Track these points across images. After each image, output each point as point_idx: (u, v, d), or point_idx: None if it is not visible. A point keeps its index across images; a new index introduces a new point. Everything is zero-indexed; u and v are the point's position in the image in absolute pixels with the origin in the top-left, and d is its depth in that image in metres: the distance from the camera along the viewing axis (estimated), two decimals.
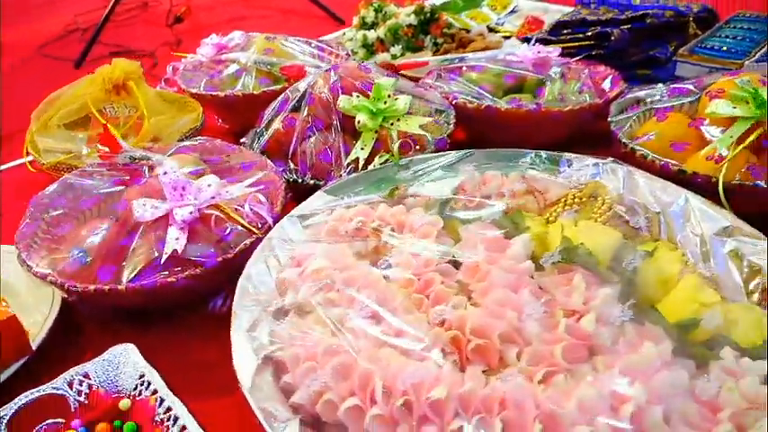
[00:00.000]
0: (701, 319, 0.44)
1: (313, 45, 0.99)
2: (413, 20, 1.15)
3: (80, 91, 0.82)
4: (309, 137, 0.73)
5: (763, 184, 0.60)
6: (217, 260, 0.56)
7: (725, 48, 0.90)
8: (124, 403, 0.50)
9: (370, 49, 1.15)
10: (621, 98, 0.77)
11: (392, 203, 0.59)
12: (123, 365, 0.52)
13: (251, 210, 0.61)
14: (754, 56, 0.86)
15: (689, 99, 0.73)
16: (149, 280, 0.55)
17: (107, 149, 0.68)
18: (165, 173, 0.62)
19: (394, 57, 1.10)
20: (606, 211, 0.57)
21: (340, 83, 0.73)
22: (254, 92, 0.86)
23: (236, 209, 0.61)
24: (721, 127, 0.65)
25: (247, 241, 0.57)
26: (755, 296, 0.48)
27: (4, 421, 0.48)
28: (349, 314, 0.46)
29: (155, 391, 0.50)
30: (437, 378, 0.40)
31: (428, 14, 1.18)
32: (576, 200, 0.59)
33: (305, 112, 0.74)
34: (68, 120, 0.82)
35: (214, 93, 0.88)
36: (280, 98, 0.79)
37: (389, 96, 0.70)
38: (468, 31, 1.26)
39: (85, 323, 0.62)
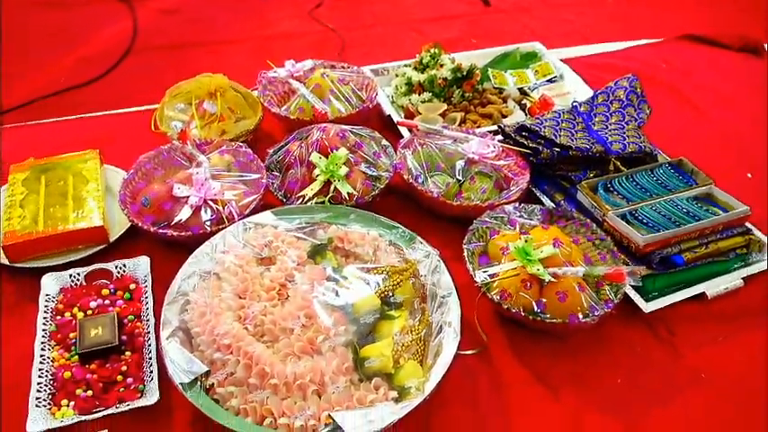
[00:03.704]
0: (367, 358, 0.87)
1: (350, 86, 1.41)
2: (449, 75, 1.50)
3: (193, 87, 1.34)
4: (292, 167, 1.19)
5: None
6: (198, 232, 1.07)
7: (615, 194, 1.18)
8: (132, 285, 1.05)
9: (410, 87, 1.53)
10: (496, 209, 1.13)
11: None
12: (139, 266, 1.07)
13: (231, 206, 1.11)
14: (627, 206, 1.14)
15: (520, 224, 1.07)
16: (163, 230, 1.08)
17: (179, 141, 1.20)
18: (198, 172, 1.13)
19: (413, 102, 1.47)
20: (401, 282, 0.99)
21: (320, 142, 1.18)
22: (291, 116, 1.33)
23: (223, 202, 1.11)
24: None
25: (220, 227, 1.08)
26: None
27: (84, 274, 1.05)
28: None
29: (145, 282, 1.04)
30: None
31: (464, 72, 1.52)
32: (389, 269, 1.00)
33: (296, 151, 1.20)
34: (184, 102, 1.35)
35: (272, 108, 1.36)
36: (297, 132, 1.25)
37: (337, 165, 1.14)
38: (500, 91, 1.59)
39: (136, 236, 1.17)
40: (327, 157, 1.15)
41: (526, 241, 0.99)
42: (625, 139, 1.26)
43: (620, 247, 1.10)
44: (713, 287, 1.09)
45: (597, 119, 1.34)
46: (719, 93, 1.70)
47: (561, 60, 1.68)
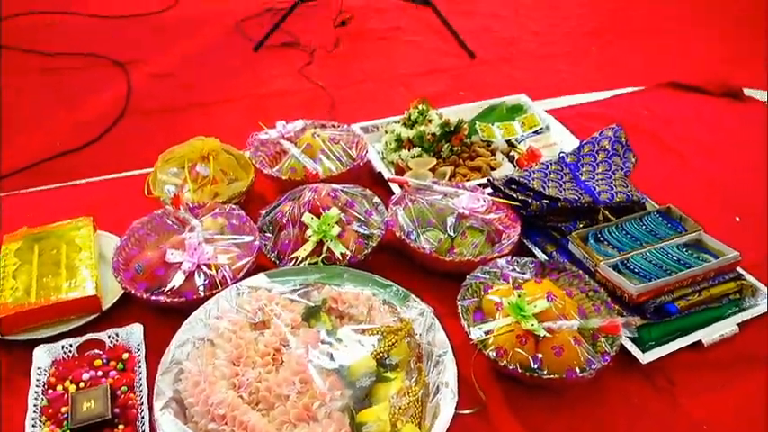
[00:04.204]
0: (364, 423, 0.86)
1: (340, 144, 1.43)
2: (437, 130, 1.53)
3: (186, 151, 1.36)
4: (284, 228, 1.20)
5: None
6: (192, 298, 1.07)
7: (606, 244, 1.19)
8: (125, 355, 1.04)
9: (400, 143, 1.55)
10: (489, 263, 1.13)
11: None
12: (132, 334, 1.06)
13: (225, 270, 1.11)
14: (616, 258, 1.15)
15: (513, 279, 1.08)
16: (157, 297, 1.08)
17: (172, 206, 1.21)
18: (190, 237, 1.13)
19: (403, 158, 1.50)
20: (397, 342, 0.98)
21: (311, 202, 1.19)
22: (283, 177, 1.35)
23: (216, 266, 1.11)
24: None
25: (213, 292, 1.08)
26: None
27: (76, 345, 1.05)
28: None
29: (138, 350, 1.03)
30: None
31: (452, 127, 1.55)
32: (384, 329, 1.00)
33: (288, 212, 1.21)
34: (177, 166, 1.37)
35: (264, 169, 1.38)
36: (289, 192, 1.27)
37: (329, 225, 1.15)
38: (489, 144, 1.62)
39: (129, 303, 1.17)
40: (319, 218, 1.17)
41: (519, 296, 0.99)
42: (613, 189, 1.28)
43: (613, 297, 1.11)
44: (709, 334, 1.09)
45: (584, 169, 1.36)
46: (702, 139, 1.74)
47: (546, 111, 1.72)
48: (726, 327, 1.11)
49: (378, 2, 2.67)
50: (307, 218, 1.17)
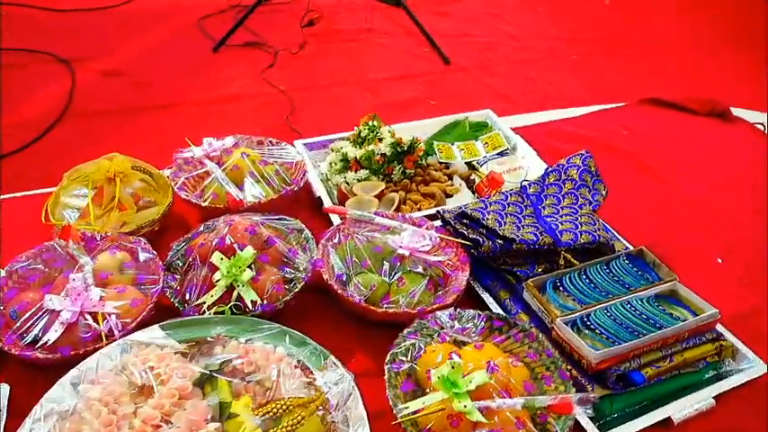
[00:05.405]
0: None
1: (274, 166, 1.26)
2: (388, 150, 1.36)
3: (92, 170, 1.18)
4: (192, 267, 1.03)
5: None
6: (68, 355, 0.90)
7: (566, 294, 1.03)
8: None
9: (346, 164, 1.38)
10: (428, 316, 0.97)
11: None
12: None
13: (111, 320, 0.94)
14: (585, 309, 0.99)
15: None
16: (28, 351, 0.90)
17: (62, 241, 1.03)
18: (75, 279, 0.96)
19: (349, 181, 1.32)
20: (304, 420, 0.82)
21: (224, 238, 1.02)
22: (202, 203, 1.17)
23: (103, 315, 0.94)
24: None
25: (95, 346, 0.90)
26: None
27: None
28: None
29: None
30: None
31: (404, 147, 1.38)
32: (292, 402, 0.83)
33: (198, 249, 1.03)
34: (82, 186, 1.19)
35: (182, 193, 1.20)
36: (205, 224, 1.09)
37: (240, 268, 0.97)
38: (447, 166, 1.45)
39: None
40: (231, 258, 0.99)
41: (453, 367, 0.82)
42: (578, 228, 1.11)
43: (570, 361, 0.95)
44: (680, 409, 0.93)
45: (548, 201, 1.20)
46: (686, 162, 1.58)
47: (515, 129, 1.56)
48: (700, 399, 0.94)
49: (349, 1, 2.51)
50: (216, 258, 0.99)
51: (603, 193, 1.22)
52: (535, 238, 1.07)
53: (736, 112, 1.78)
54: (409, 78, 2.06)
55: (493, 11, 2.53)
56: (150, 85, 1.88)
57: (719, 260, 1.26)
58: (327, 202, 1.25)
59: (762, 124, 1.74)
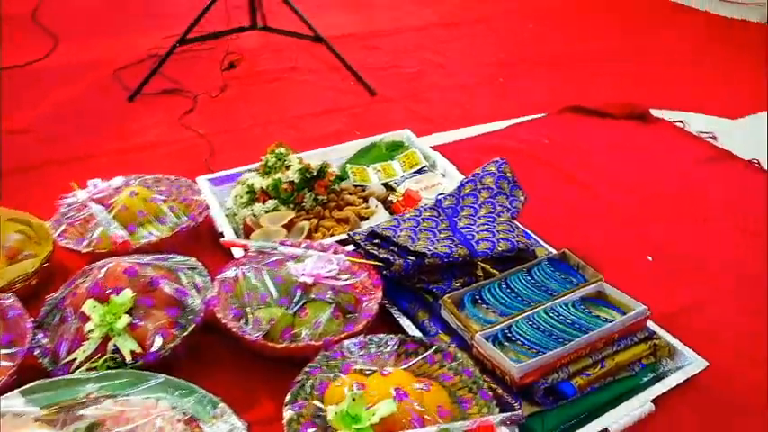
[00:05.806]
0: None
1: (169, 203, 1.16)
2: (296, 177, 1.27)
3: None
4: (65, 320, 0.90)
5: None
6: None
7: (486, 307, 0.94)
8: None
9: (253, 196, 1.29)
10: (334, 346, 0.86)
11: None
12: None
13: None
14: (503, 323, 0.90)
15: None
16: None
17: None
18: None
19: (256, 213, 1.23)
20: None
21: (98, 283, 0.90)
22: (82, 250, 1.05)
23: None
24: None
25: None
26: None
27: None
28: None
29: None
30: None
31: (313, 173, 1.29)
32: None
33: (70, 299, 0.91)
34: None
35: (61, 241, 1.08)
36: (82, 270, 0.97)
37: (115, 315, 0.86)
38: (363, 189, 1.37)
39: None
40: (105, 304, 0.88)
41: (354, 399, 0.72)
42: (495, 236, 1.04)
43: (494, 378, 0.85)
44: (617, 419, 0.84)
45: (464, 213, 1.12)
46: (607, 166, 1.54)
47: (436, 147, 1.50)
48: (638, 405, 0.86)
49: (273, 42, 2.45)
50: (88, 306, 0.87)
51: (522, 199, 1.15)
52: (449, 251, 0.99)
53: (656, 113, 1.77)
54: (334, 112, 1.99)
55: (422, 42, 2.52)
56: (58, 140, 1.76)
57: (649, 258, 1.21)
58: (226, 237, 1.15)
59: (681, 122, 1.73)
